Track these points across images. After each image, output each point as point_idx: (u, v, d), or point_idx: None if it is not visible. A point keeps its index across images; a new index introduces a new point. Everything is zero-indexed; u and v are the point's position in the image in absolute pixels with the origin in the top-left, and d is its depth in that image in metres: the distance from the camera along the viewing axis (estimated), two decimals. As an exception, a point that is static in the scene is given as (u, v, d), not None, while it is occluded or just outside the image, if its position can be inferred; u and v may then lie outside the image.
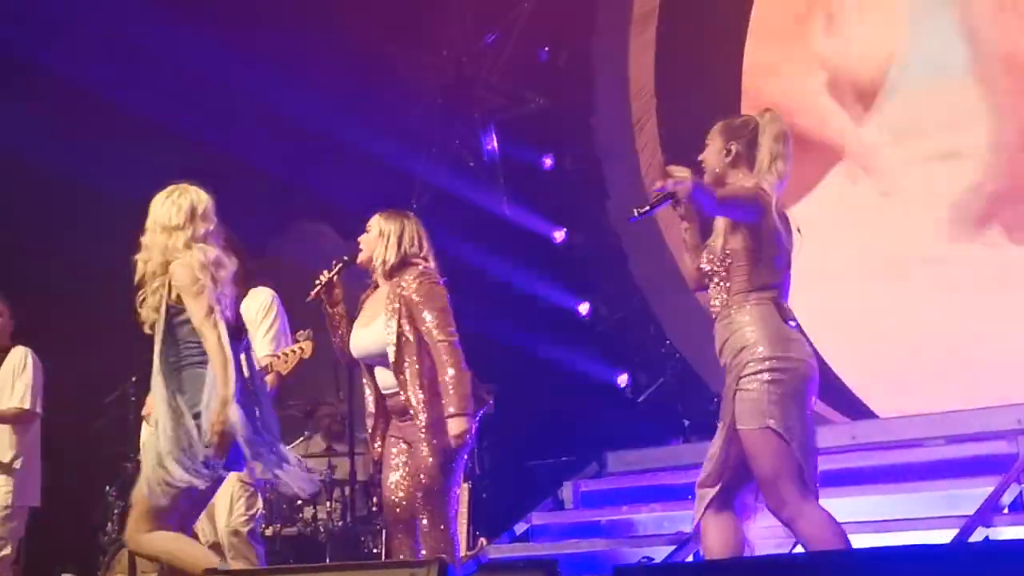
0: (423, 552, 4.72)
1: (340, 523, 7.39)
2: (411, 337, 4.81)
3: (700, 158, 4.42)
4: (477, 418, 4.93)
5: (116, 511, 7.54)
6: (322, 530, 7.41)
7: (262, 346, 5.30)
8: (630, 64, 9.22)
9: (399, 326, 4.84)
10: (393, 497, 4.85)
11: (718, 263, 4.28)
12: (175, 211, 4.61)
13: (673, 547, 6.23)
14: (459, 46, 9.79)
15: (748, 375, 4.10)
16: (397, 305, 4.84)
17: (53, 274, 8.53)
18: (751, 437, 4.10)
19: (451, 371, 4.71)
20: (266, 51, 9.00)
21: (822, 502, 6.27)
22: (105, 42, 8.67)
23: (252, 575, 3.63)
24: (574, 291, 9.33)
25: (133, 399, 6.04)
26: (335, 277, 5.06)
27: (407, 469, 4.82)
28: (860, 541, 5.58)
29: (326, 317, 5.14)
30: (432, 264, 4.98)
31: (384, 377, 4.89)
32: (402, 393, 4.79)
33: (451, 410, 4.66)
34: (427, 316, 4.78)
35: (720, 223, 4.32)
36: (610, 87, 9.38)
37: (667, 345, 9.18)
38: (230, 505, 5.16)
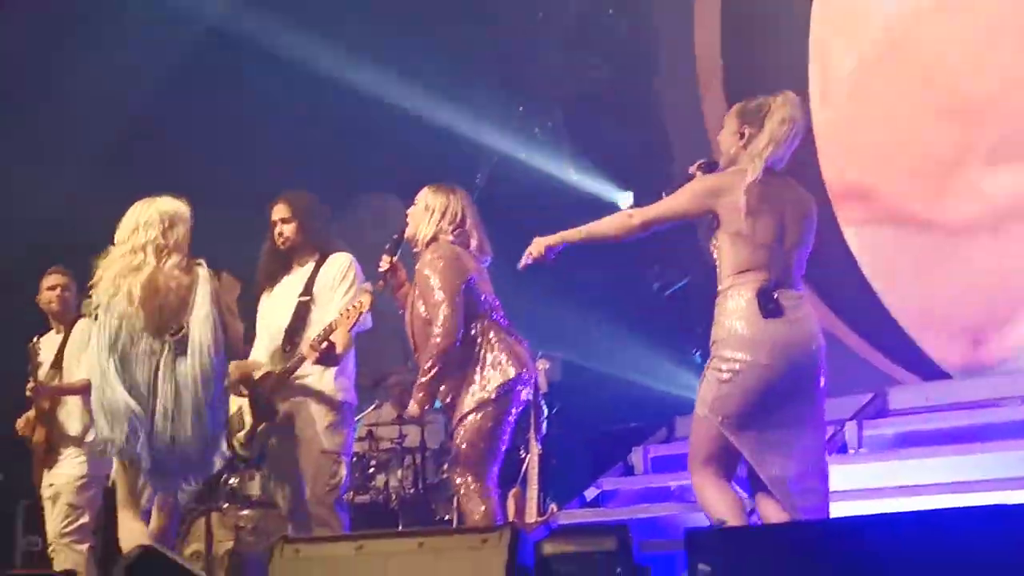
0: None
1: (411, 490, 7.45)
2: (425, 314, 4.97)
3: (717, 138, 4.54)
4: (526, 386, 5.01)
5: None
6: (394, 497, 7.48)
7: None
8: (695, 28, 9.14)
9: (413, 305, 4.94)
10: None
11: (711, 248, 4.44)
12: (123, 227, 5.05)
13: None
14: (522, 14, 9.76)
15: (711, 368, 4.32)
16: (416, 282, 4.96)
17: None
18: (694, 418, 4.37)
19: (427, 365, 4.89)
20: (328, 22, 9.05)
21: (898, 463, 6.28)
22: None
23: (327, 542, 3.67)
24: (642, 256, 9.30)
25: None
26: (394, 259, 5.13)
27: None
28: (937, 503, 5.54)
29: (395, 299, 5.22)
30: (473, 241, 5.07)
31: None
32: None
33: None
34: (433, 299, 4.91)
35: None
36: (675, 51, 9.30)
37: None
38: (314, 474, 5.22)
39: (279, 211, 5.47)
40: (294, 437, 5.28)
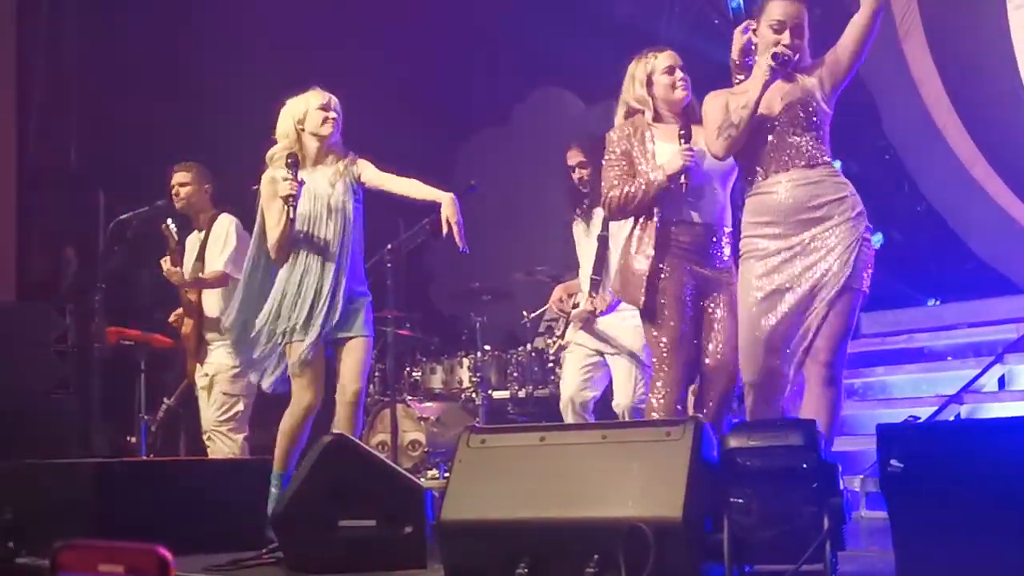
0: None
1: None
2: None
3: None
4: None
5: (377, 373, 7.88)
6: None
7: None
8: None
9: None
10: None
11: (807, 112, 4.30)
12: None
13: (934, 408, 6.08)
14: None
15: (864, 237, 4.21)
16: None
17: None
18: (853, 297, 4.19)
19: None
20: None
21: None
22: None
23: (511, 432, 3.71)
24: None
25: (389, 265, 6.22)
26: None
27: None
28: None
29: None
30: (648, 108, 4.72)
31: None
32: None
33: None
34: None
35: (815, 79, 4.35)
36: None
37: (923, 203, 8.85)
38: (631, 387, 5.61)
39: (574, 156, 5.83)
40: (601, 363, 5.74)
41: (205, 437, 6.18)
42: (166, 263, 6.01)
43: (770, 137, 4.28)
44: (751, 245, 4.27)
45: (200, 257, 6.20)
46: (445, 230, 4.92)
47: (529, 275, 7.87)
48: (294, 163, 5.00)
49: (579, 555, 3.14)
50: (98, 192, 8.01)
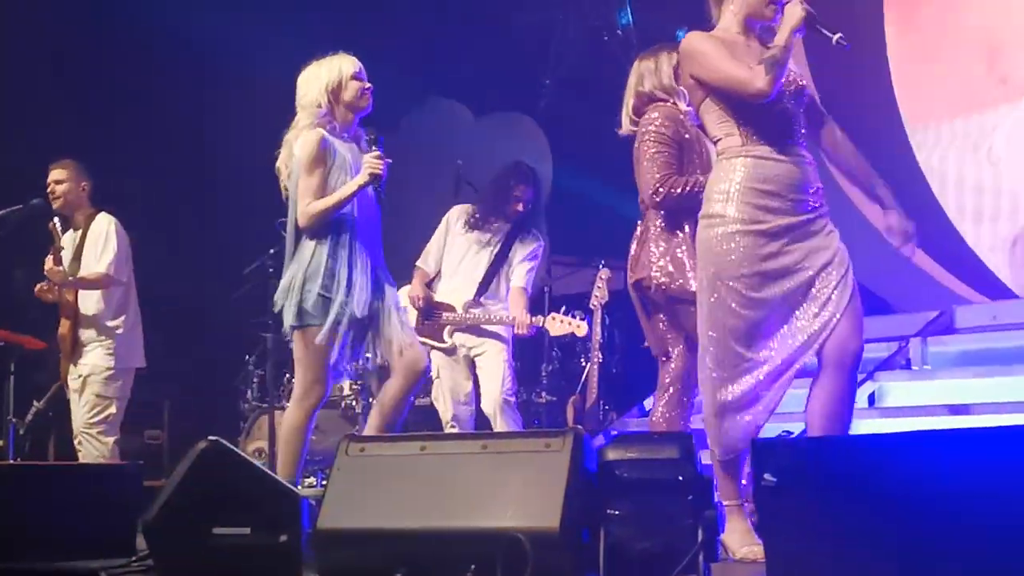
0: None
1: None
2: None
3: None
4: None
5: (255, 379, 7.77)
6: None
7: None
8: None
9: None
10: None
11: (805, 91, 4.00)
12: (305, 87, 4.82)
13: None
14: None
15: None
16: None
17: (193, 152, 8.68)
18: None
19: None
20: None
21: (962, 381, 6.22)
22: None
23: (391, 441, 3.69)
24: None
25: (271, 270, 6.14)
26: None
27: None
28: (1001, 422, 5.48)
29: None
30: (681, 104, 4.64)
31: None
32: None
33: None
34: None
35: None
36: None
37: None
38: (501, 378, 5.97)
39: (522, 191, 6.09)
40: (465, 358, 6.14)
41: (76, 441, 6.05)
42: (49, 261, 5.92)
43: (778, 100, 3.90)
44: (750, 215, 3.89)
45: (77, 257, 6.10)
46: None
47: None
48: (379, 141, 4.75)
49: (456, 565, 3.13)
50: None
